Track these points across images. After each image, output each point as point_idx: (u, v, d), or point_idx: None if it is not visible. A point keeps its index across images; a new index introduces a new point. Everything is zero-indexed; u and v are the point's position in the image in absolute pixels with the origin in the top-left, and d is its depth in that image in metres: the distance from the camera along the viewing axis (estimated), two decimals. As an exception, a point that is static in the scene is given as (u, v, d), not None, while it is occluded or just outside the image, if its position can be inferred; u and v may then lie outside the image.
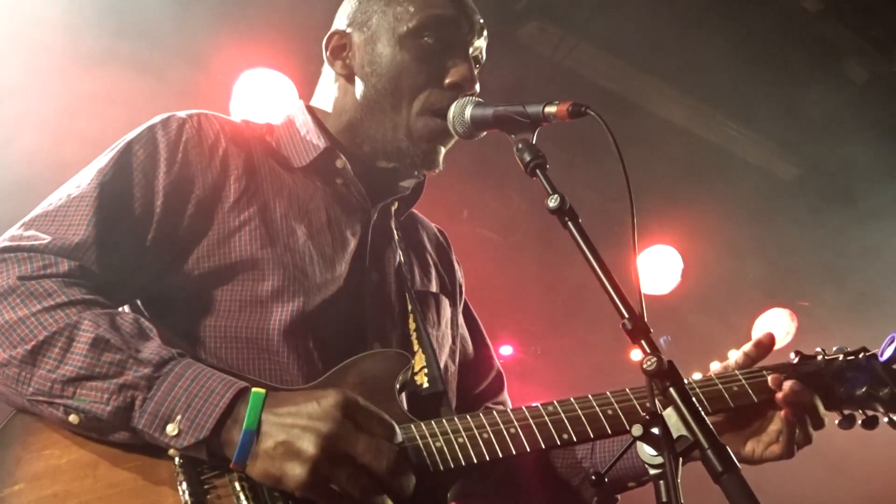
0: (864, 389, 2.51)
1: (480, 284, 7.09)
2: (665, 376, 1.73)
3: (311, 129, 2.58)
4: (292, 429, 1.95)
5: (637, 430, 1.71)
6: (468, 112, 2.36)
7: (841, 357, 2.57)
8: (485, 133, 2.39)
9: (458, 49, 2.55)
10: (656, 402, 1.74)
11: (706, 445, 1.64)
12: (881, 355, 2.51)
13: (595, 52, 6.18)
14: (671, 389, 1.72)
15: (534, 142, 2.16)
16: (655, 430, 1.70)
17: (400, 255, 2.64)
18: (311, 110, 2.67)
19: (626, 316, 1.83)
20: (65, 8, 4.83)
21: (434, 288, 2.77)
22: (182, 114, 2.43)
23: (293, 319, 2.28)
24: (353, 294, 2.43)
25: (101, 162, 2.30)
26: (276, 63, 5.39)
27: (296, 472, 1.91)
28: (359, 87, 2.58)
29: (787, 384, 2.42)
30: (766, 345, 2.58)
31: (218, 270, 2.30)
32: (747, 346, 2.58)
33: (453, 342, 2.75)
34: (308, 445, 1.92)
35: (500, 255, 7.32)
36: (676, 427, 1.69)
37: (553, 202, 2.01)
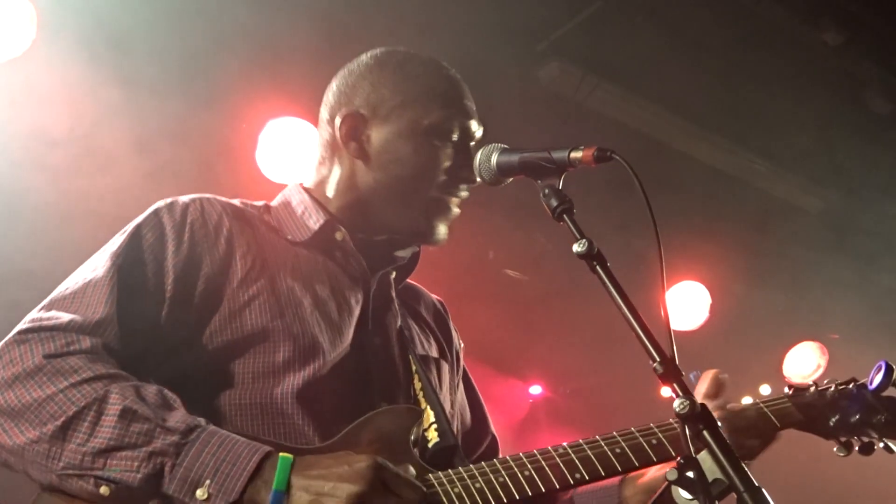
0: (857, 417, 2.58)
1: (508, 325, 7.14)
2: (698, 419, 1.74)
3: (309, 206, 2.68)
4: (323, 488, 1.98)
5: (672, 474, 1.72)
6: (494, 159, 2.40)
7: (833, 388, 2.64)
8: (510, 179, 2.42)
9: (466, 143, 2.69)
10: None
11: (742, 489, 1.65)
12: (870, 384, 2.56)
13: (617, 90, 6.20)
14: (705, 433, 1.73)
15: (560, 187, 2.19)
16: (690, 474, 1.71)
17: (400, 321, 2.71)
18: (307, 190, 2.76)
19: (658, 359, 1.84)
20: (86, 58, 4.90)
21: (434, 353, 2.83)
22: (185, 198, 2.52)
23: (305, 383, 2.35)
24: (358, 357, 2.51)
25: (114, 246, 2.39)
26: (303, 112, 5.45)
27: None
28: (374, 171, 2.67)
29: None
30: (718, 384, 2.61)
31: (231, 344, 2.36)
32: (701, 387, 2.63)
33: (452, 406, 2.81)
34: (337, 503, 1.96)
35: (527, 295, 7.32)
36: (711, 470, 1.70)
37: (580, 247, 2.04)
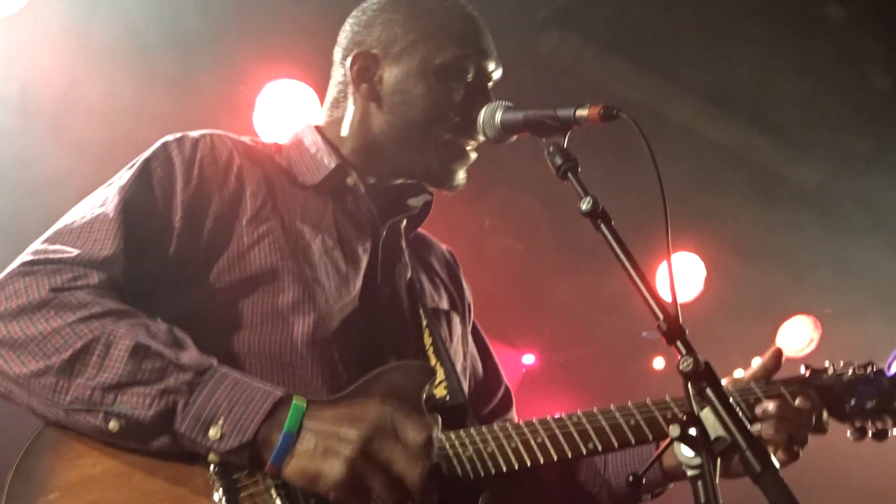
0: (873, 403, 2.57)
1: (502, 293, 7.14)
2: (701, 377, 1.74)
3: (322, 148, 2.62)
4: (332, 430, 1.99)
5: (675, 430, 1.71)
6: (499, 116, 2.40)
7: (850, 371, 2.63)
8: (514, 137, 2.41)
9: (483, 84, 2.63)
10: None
11: (744, 446, 1.65)
12: (888, 370, 2.58)
13: (617, 60, 6.18)
14: (708, 390, 1.72)
15: (565, 145, 2.17)
16: (693, 432, 1.71)
17: (410, 272, 2.68)
18: (320, 130, 2.71)
19: (661, 317, 1.84)
20: (83, 18, 4.86)
21: (445, 305, 2.81)
22: (195, 133, 2.47)
23: (314, 332, 2.32)
24: (367, 310, 2.47)
25: (122, 179, 2.34)
26: (300, 74, 5.41)
27: (333, 470, 1.95)
28: (385, 112, 2.61)
29: (762, 407, 2.44)
30: (777, 359, 2.60)
31: (239, 283, 2.32)
32: (762, 360, 2.61)
33: (464, 359, 2.78)
34: (347, 446, 1.97)
35: (523, 264, 7.32)
36: (714, 428, 1.69)
37: (586, 205, 2.03)
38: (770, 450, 2.41)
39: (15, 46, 4.87)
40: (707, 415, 1.71)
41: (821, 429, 2.51)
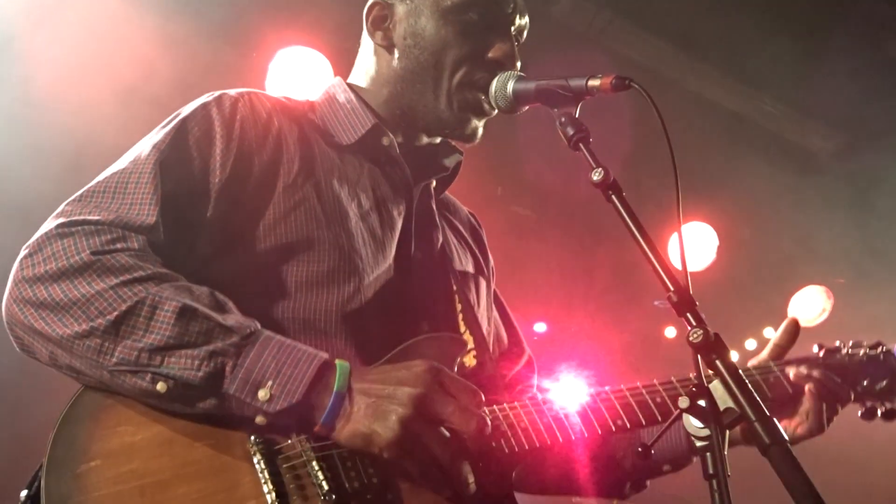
0: (884, 384, 2.64)
1: (514, 262, 7.14)
2: (711, 349, 1.74)
3: (356, 106, 2.58)
4: (383, 391, 1.99)
5: (684, 402, 1.72)
6: (510, 86, 2.38)
7: (861, 352, 2.68)
8: (526, 108, 2.39)
9: (501, 27, 2.55)
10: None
11: (753, 418, 1.65)
12: None
13: (630, 27, 6.13)
14: (717, 362, 1.73)
15: (577, 115, 2.16)
16: (702, 403, 1.71)
17: (441, 235, 2.66)
18: (351, 87, 2.66)
19: (672, 289, 1.83)
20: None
21: (472, 269, 2.78)
22: (233, 92, 2.42)
23: (348, 301, 2.30)
24: (400, 275, 2.45)
25: (157, 137, 2.28)
26: (312, 41, 5.39)
27: (387, 428, 1.94)
28: (399, 59, 2.57)
29: (816, 372, 2.54)
30: (793, 331, 2.65)
31: (275, 250, 2.29)
32: (776, 337, 2.65)
33: (489, 324, 2.77)
34: (399, 405, 1.96)
35: (535, 233, 7.32)
36: (723, 399, 1.70)
37: (597, 175, 2.02)
38: (797, 421, 2.47)
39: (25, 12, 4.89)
40: (716, 386, 1.71)
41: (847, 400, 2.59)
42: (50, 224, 2.09)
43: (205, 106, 2.35)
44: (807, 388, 2.55)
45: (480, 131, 2.60)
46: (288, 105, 2.53)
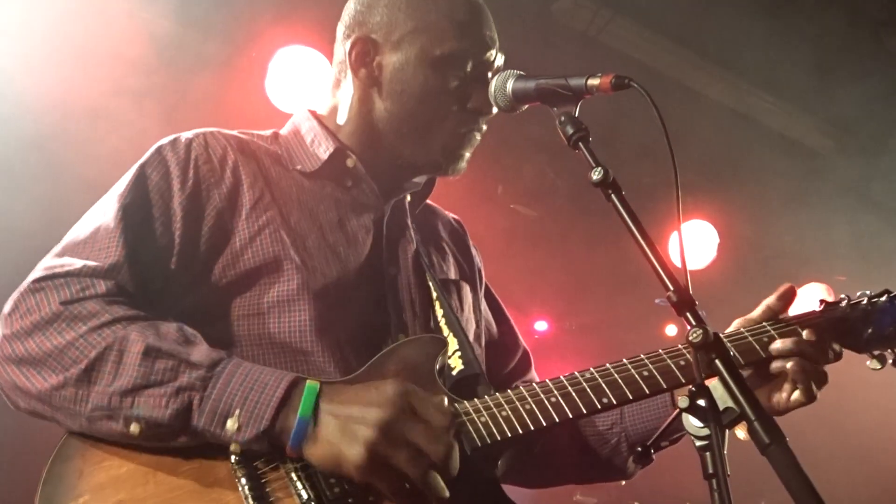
0: (891, 329, 2.52)
1: (515, 261, 7.15)
2: (710, 348, 1.74)
3: (319, 134, 2.61)
4: (350, 414, 1.99)
5: (683, 401, 1.72)
6: (510, 85, 2.37)
7: (865, 301, 2.57)
8: (526, 106, 2.39)
9: (482, 74, 2.56)
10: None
11: (753, 417, 1.65)
12: None
13: (630, 25, 6.13)
14: (717, 362, 1.72)
15: (576, 115, 2.16)
16: (701, 402, 1.71)
17: (415, 247, 2.66)
18: (317, 117, 2.69)
19: (671, 288, 1.83)
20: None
21: (453, 275, 2.79)
22: (188, 134, 2.47)
23: (320, 317, 2.32)
24: (372, 291, 2.47)
25: (120, 188, 2.36)
26: (312, 40, 5.39)
27: (354, 453, 1.94)
28: (385, 101, 2.58)
29: (777, 344, 2.40)
30: (788, 297, 2.57)
31: (244, 275, 2.34)
32: (770, 299, 2.57)
33: (477, 326, 2.77)
34: (366, 428, 1.95)
35: (536, 231, 7.32)
36: (722, 399, 1.70)
37: (597, 175, 2.01)
38: (787, 390, 2.41)
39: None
40: (716, 385, 1.71)
41: (836, 357, 2.46)
42: (26, 281, 2.17)
43: (159, 150, 2.42)
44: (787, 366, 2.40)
45: (464, 165, 2.63)
46: (244, 139, 2.56)
